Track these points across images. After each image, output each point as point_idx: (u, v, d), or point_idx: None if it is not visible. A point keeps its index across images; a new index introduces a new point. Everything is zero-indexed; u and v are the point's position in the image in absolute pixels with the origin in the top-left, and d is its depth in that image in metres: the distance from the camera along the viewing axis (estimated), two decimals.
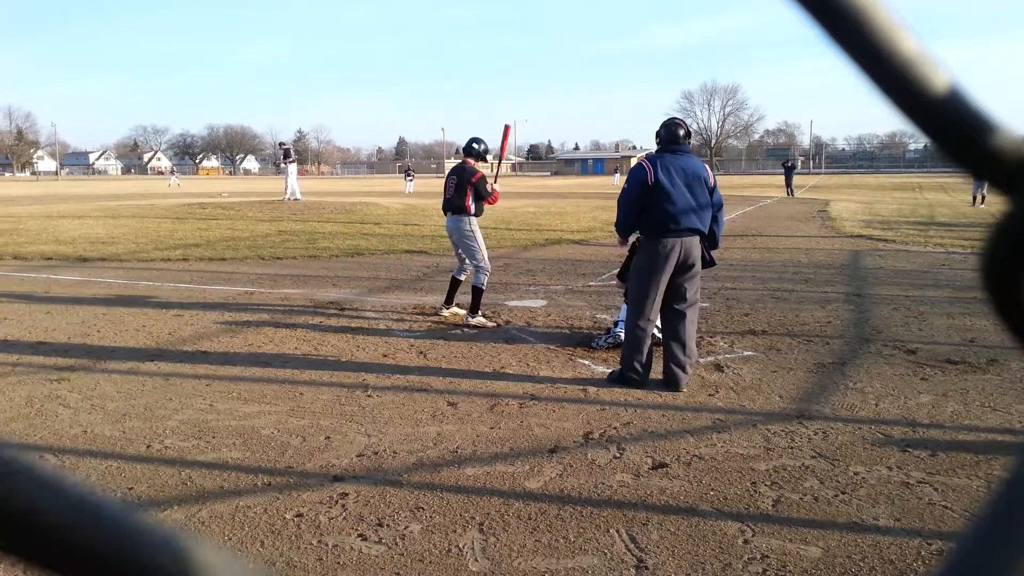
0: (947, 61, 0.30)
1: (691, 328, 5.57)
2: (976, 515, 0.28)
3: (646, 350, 5.48)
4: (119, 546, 0.24)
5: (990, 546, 0.26)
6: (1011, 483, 0.28)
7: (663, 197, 5.37)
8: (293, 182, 25.63)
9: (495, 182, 7.73)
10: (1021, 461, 0.29)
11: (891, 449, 4.27)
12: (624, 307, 6.33)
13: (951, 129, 0.29)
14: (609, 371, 5.74)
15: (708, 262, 5.70)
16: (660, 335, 6.20)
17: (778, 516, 3.49)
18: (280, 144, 27.95)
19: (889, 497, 3.67)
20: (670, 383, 5.42)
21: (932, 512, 3.53)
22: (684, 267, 5.49)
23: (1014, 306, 0.30)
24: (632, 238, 5.89)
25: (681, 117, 5.97)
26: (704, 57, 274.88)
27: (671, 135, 5.61)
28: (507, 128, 8.22)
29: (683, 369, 5.43)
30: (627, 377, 5.46)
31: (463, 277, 7.83)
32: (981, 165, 0.30)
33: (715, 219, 5.60)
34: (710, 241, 5.65)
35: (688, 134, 5.69)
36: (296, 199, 25.19)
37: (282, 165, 26.35)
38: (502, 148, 8.19)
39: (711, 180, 5.59)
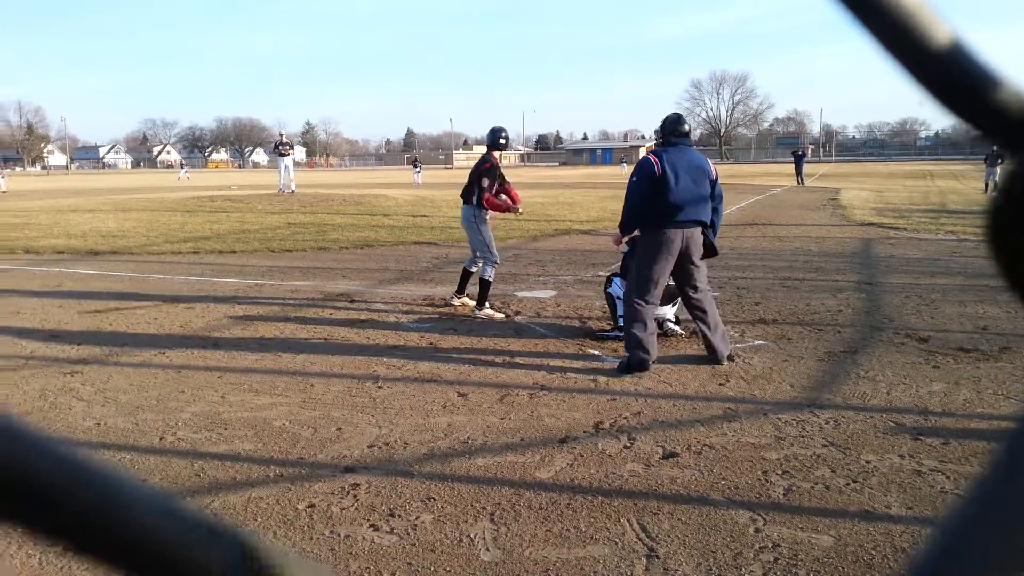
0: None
1: (712, 307, 5.79)
2: (959, 500, 0.27)
3: (649, 327, 5.59)
4: (110, 507, 0.24)
5: (973, 531, 0.26)
6: (997, 467, 0.27)
7: (668, 189, 5.57)
8: (291, 173, 26.14)
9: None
10: (1006, 445, 0.28)
11: (903, 437, 4.26)
12: (619, 304, 6.40)
13: (954, 83, 0.28)
14: (618, 361, 5.75)
15: (711, 250, 5.90)
16: (670, 325, 6.51)
17: (789, 505, 3.49)
18: (280, 134, 28.19)
19: (901, 485, 3.66)
20: (712, 359, 5.73)
21: (944, 500, 3.51)
22: (688, 256, 5.69)
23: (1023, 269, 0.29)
24: (627, 237, 5.99)
25: (689, 106, 6.22)
26: (714, 46, 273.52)
27: (674, 130, 5.82)
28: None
29: (715, 344, 5.69)
30: (634, 360, 5.51)
31: (475, 269, 7.81)
32: (985, 120, 0.29)
33: (715, 210, 5.84)
34: (711, 230, 5.86)
35: (689, 129, 5.92)
36: (289, 191, 25.65)
37: (282, 156, 26.57)
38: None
39: (713, 173, 5.84)
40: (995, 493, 0.27)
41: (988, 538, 0.26)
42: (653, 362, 5.55)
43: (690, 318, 5.99)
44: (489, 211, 7.60)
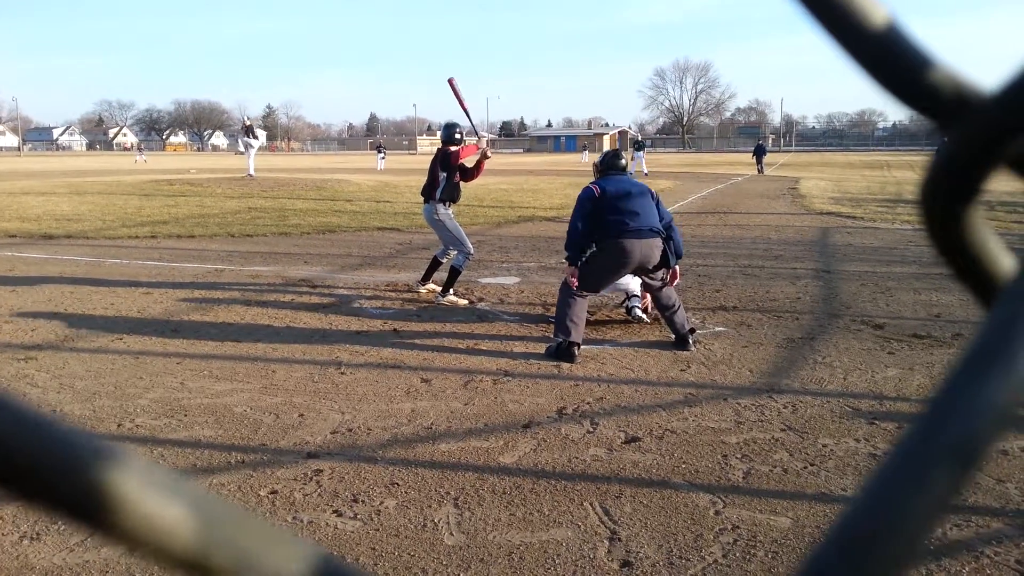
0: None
1: (672, 295, 5.89)
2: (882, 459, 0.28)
3: (581, 315, 5.67)
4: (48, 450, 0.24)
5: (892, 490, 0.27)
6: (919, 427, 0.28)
7: (613, 204, 5.73)
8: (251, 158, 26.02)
9: (473, 138, 7.84)
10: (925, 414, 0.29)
11: (859, 422, 4.35)
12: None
13: (890, 63, 0.30)
14: (547, 346, 5.81)
15: (664, 262, 5.87)
16: (638, 312, 6.59)
17: (748, 488, 3.55)
18: (246, 119, 27.72)
19: (857, 468, 3.75)
20: (678, 345, 5.83)
21: None
22: (645, 269, 5.82)
23: (953, 242, 0.31)
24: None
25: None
26: (677, 34, 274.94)
27: (612, 164, 6.16)
28: (451, 81, 7.82)
29: (681, 330, 5.81)
30: (563, 352, 5.53)
31: (445, 260, 7.75)
32: (919, 100, 0.30)
33: (670, 227, 5.91)
34: (674, 251, 5.90)
35: (626, 164, 6.27)
36: (247, 174, 25.53)
37: (248, 141, 26.22)
38: (459, 102, 7.83)
39: (654, 195, 5.98)
40: (919, 445, 0.28)
41: (911, 487, 0.27)
42: (580, 354, 5.55)
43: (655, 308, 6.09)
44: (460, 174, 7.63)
